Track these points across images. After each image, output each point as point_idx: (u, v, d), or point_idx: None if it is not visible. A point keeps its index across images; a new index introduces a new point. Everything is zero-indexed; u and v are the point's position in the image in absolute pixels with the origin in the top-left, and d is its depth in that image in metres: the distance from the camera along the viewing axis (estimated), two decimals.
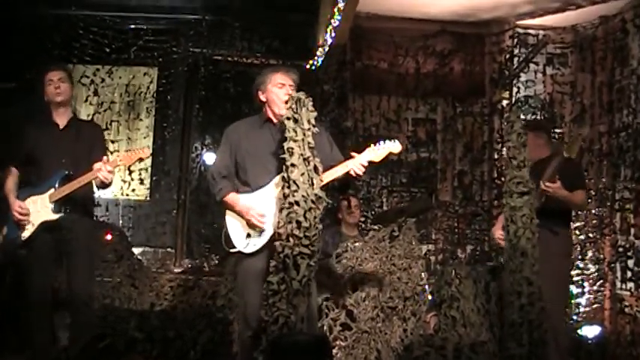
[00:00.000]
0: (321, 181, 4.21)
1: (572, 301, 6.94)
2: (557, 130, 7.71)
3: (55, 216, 4.88)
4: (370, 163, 4.40)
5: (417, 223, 6.10)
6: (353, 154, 4.41)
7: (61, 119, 5.12)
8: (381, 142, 4.42)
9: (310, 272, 4.10)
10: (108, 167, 4.71)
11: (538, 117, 7.80)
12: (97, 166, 4.77)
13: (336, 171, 4.36)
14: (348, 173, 4.37)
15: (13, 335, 5.33)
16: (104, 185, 4.92)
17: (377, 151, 4.40)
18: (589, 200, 6.85)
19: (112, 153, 6.97)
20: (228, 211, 4.47)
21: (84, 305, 4.95)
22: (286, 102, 4.29)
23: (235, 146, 4.51)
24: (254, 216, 4.30)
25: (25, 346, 5.05)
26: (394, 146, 4.43)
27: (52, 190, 4.88)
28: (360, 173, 4.39)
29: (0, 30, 7.71)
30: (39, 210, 4.92)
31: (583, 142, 5.02)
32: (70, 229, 4.92)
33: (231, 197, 4.41)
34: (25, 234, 4.93)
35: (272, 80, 4.49)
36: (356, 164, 4.35)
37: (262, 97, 4.54)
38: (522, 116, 7.35)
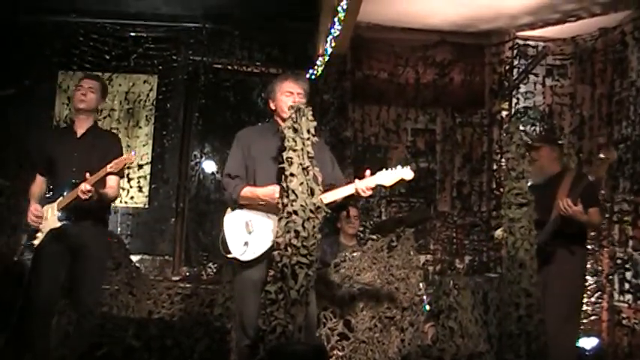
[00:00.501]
0: (322, 201, 4.17)
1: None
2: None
3: (59, 223, 4.89)
4: (378, 185, 4.38)
5: (415, 233, 6.10)
6: (367, 172, 4.35)
7: (81, 127, 5.14)
8: (393, 168, 4.36)
9: (308, 282, 4.08)
10: (87, 187, 4.70)
11: (538, 128, 7.81)
12: (109, 178, 4.89)
13: (344, 191, 4.34)
14: (353, 194, 4.35)
15: (14, 341, 5.30)
16: (103, 200, 4.93)
17: (388, 177, 4.34)
18: None
19: None
20: (227, 217, 4.44)
21: (88, 314, 4.95)
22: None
23: (246, 150, 4.48)
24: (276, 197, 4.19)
25: (23, 353, 5.04)
26: (406, 173, 4.36)
27: (61, 198, 4.90)
28: (367, 195, 4.36)
29: (0, 36, 7.73)
30: (48, 218, 4.95)
31: (610, 166, 5.04)
32: (78, 238, 4.92)
33: (249, 189, 4.35)
34: (36, 242, 4.96)
35: (280, 88, 4.48)
36: (364, 187, 4.30)
37: (272, 106, 4.53)
38: (522, 127, 7.37)
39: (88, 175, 4.73)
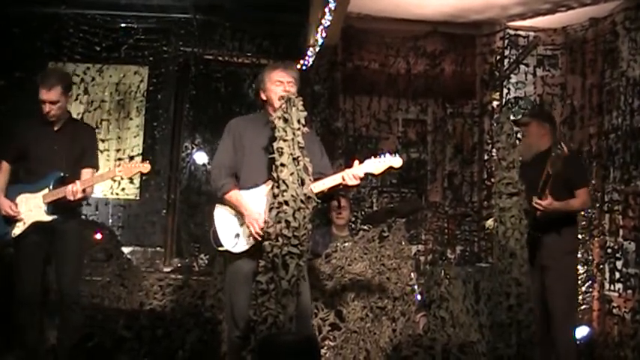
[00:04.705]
0: (312, 191, 4.17)
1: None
2: None
3: (49, 218, 4.88)
4: (367, 174, 4.38)
5: (406, 223, 6.11)
6: (356, 162, 4.36)
7: (57, 120, 5.09)
8: (382, 156, 4.36)
9: (299, 272, 4.09)
10: (77, 187, 4.73)
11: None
12: (84, 172, 4.91)
13: (332, 180, 4.33)
14: (341, 183, 4.34)
15: (2, 335, 5.30)
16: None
17: (377, 164, 4.34)
18: None
19: (101, 152, 6.96)
20: (217, 209, 4.43)
21: (72, 305, 4.94)
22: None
23: (237, 141, 4.47)
24: (255, 219, 4.23)
25: (13, 346, 5.03)
26: (395, 161, 4.36)
27: (47, 190, 4.87)
28: (355, 184, 4.35)
29: None
30: (31, 209, 4.91)
31: (569, 150, 5.09)
32: (58, 230, 4.92)
33: (235, 194, 4.34)
34: (16, 231, 4.92)
35: (270, 78, 4.46)
36: (353, 173, 4.30)
37: (263, 96, 4.51)
38: (512, 117, 7.37)
39: (79, 183, 4.76)
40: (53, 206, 4.87)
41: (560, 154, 5.00)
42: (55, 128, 5.08)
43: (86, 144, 5.12)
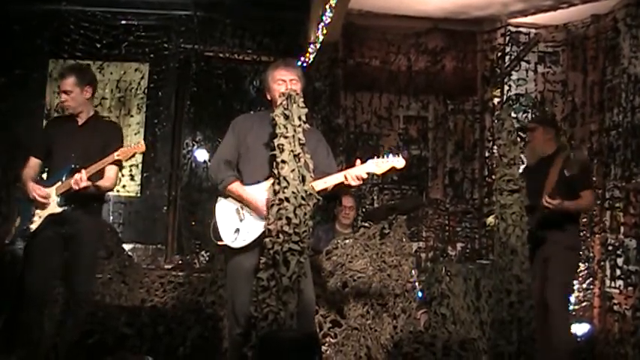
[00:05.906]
0: (313, 188, 4.17)
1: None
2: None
3: (60, 209, 4.86)
4: (370, 174, 4.36)
5: (407, 220, 6.11)
6: (358, 162, 4.35)
7: (81, 117, 5.08)
8: (386, 156, 4.33)
9: (300, 269, 4.08)
10: (83, 177, 4.70)
11: (530, 115, 7.82)
12: (108, 168, 4.88)
13: (334, 179, 4.32)
14: (343, 182, 4.33)
15: (5, 333, 5.28)
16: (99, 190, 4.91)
17: (380, 165, 4.31)
18: None
19: None
20: (219, 202, 4.42)
21: (82, 303, 4.92)
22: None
23: (242, 137, 4.46)
24: (258, 207, 4.23)
25: (16, 344, 5.02)
26: (398, 162, 4.32)
27: (59, 183, 4.86)
28: (357, 184, 4.33)
29: None
30: None
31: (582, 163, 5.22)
32: (74, 224, 4.89)
33: (237, 186, 4.33)
34: (33, 226, 4.89)
35: (273, 78, 4.44)
36: (355, 174, 4.27)
37: (268, 96, 4.50)
38: (513, 114, 7.37)
39: (84, 171, 4.71)
40: (65, 197, 4.84)
41: (578, 159, 5.07)
42: (79, 124, 5.08)
43: (109, 139, 5.04)
